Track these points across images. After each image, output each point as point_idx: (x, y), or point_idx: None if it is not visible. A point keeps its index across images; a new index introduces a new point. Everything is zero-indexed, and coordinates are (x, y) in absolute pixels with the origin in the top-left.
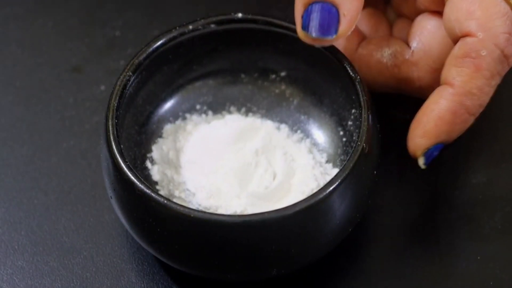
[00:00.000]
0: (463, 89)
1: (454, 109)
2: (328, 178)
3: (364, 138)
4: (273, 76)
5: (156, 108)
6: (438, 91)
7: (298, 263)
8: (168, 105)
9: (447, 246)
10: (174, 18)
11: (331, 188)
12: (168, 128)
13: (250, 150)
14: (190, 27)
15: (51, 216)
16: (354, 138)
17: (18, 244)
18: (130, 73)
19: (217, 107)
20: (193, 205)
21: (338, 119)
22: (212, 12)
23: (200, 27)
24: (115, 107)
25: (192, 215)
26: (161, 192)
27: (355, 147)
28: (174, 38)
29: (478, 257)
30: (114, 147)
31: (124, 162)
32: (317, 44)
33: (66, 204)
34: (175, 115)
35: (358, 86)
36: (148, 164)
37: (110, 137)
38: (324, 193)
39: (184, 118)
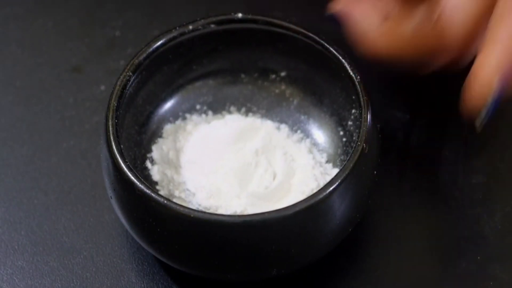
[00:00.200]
0: None
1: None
2: (328, 178)
3: (364, 138)
4: (273, 76)
5: (156, 108)
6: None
7: (298, 263)
8: (168, 105)
9: (447, 246)
10: (174, 18)
11: (331, 188)
12: (168, 128)
13: (250, 150)
14: (190, 27)
15: (51, 216)
16: (354, 138)
17: (18, 244)
18: (130, 73)
19: (217, 107)
20: (193, 205)
21: (338, 119)
22: (212, 12)
23: (200, 27)
24: (115, 107)
25: (192, 215)
26: (161, 192)
27: (355, 147)
28: (174, 38)
29: (478, 257)
30: (114, 147)
31: (124, 162)
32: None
33: (66, 204)
34: (175, 115)
35: (358, 86)
36: (148, 164)
37: (110, 137)
38: (324, 193)
39: (184, 118)
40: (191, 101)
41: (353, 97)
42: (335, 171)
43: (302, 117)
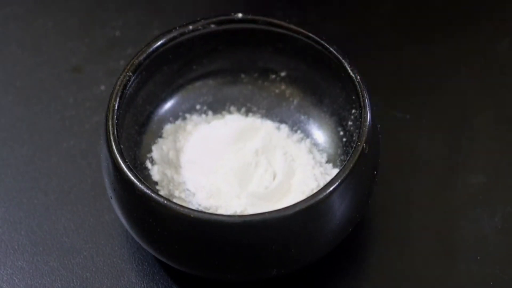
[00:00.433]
0: None
1: None
2: (328, 178)
3: (364, 138)
4: (273, 76)
5: (156, 108)
6: None
7: (298, 263)
8: (168, 105)
9: (447, 246)
10: (174, 18)
11: (331, 188)
12: (168, 128)
13: (250, 150)
14: (190, 27)
15: (51, 216)
16: (354, 138)
17: (18, 244)
18: (130, 73)
19: (217, 107)
20: (193, 205)
21: (338, 119)
22: (212, 12)
23: (200, 27)
24: (115, 107)
25: (192, 215)
26: (161, 192)
27: (355, 147)
28: (174, 38)
29: (478, 257)
30: (114, 147)
31: (124, 162)
32: None
33: (66, 204)
34: (175, 115)
35: (358, 86)
36: (148, 164)
37: (110, 137)
38: (324, 193)
39: (184, 118)
40: (191, 101)
41: (353, 97)
42: (335, 171)
43: (302, 117)
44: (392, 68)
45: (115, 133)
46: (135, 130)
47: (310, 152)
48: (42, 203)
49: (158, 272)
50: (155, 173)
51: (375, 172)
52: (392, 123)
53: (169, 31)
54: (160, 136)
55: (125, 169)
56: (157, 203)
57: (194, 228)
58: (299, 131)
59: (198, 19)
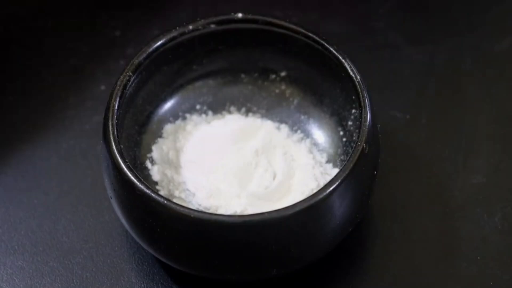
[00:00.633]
0: None
1: None
2: (328, 178)
3: (364, 138)
4: (273, 76)
5: (156, 108)
6: None
7: (298, 263)
8: (168, 105)
9: (447, 246)
10: (174, 18)
11: (331, 188)
12: (168, 128)
13: (250, 150)
14: (190, 27)
15: (51, 216)
16: (354, 138)
17: (18, 244)
18: (130, 73)
19: (217, 107)
20: (193, 205)
21: (338, 119)
22: (212, 12)
23: (200, 27)
24: (115, 107)
25: (192, 215)
26: (161, 192)
27: (355, 147)
28: (174, 38)
29: (478, 257)
30: (114, 147)
31: (124, 162)
32: None
33: (66, 204)
34: (175, 115)
35: (358, 86)
36: (148, 164)
37: (110, 137)
38: (324, 193)
39: (184, 118)
40: (191, 101)
41: (353, 97)
42: (335, 171)
43: (302, 117)
44: (392, 68)
45: (115, 133)
46: (135, 130)
47: (310, 152)
48: (42, 203)
49: (158, 272)
50: (155, 173)
51: (375, 172)
52: (392, 123)
53: (169, 31)
54: (160, 136)
55: (125, 169)
56: (157, 203)
57: (194, 228)
58: (299, 131)
59: (198, 19)
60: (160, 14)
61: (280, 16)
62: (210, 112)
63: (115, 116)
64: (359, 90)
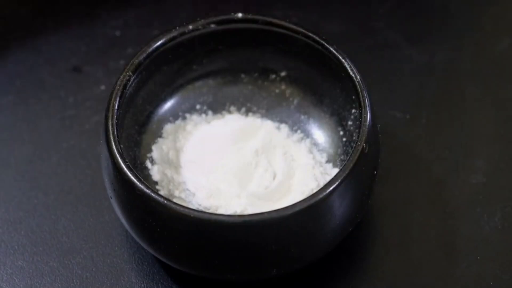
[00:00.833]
0: None
1: None
2: (328, 178)
3: (364, 138)
4: (273, 76)
5: (156, 108)
6: None
7: (298, 263)
8: (168, 105)
9: (447, 246)
10: (174, 18)
11: (331, 188)
12: (168, 128)
13: (250, 150)
14: (190, 27)
15: (51, 216)
16: (354, 138)
17: (18, 244)
18: (130, 73)
19: (217, 107)
20: (193, 205)
21: (338, 119)
22: (212, 12)
23: (200, 27)
24: (115, 107)
25: (192, 215)
26: (161, 192)
27: (355, 147)
28: (174, 38)
29: (478, 257)
30: (114, 147)
31: (124, 162)
32: None
33: (66, 204)
34: (175, 115)
35: (358, 86)
36: (148, 164)
37: (110, 137)
38: (324, 193)
39: (184, 118)
40: (191, 101)
41: (353, 97)
42: (335, 171)
43: (302, 117)
44: (392, 68)
45: (115, 133)
46: (135, 130)
47: (310, 152)
48: (42, 203)
49: (158, 272)
50: (155, 173)
51: (375, 172)
52: (392, 123)
53: (169, 31)
54: (160, 136)
55: (125, 169)
56: (157, 203)
57: (194, 228)
58: (299, 131)
59: (198, 19)
60: (160, 14)
61: (280, 16)
62: (210, 112)
63: (115, 116)
64: (359, 90)
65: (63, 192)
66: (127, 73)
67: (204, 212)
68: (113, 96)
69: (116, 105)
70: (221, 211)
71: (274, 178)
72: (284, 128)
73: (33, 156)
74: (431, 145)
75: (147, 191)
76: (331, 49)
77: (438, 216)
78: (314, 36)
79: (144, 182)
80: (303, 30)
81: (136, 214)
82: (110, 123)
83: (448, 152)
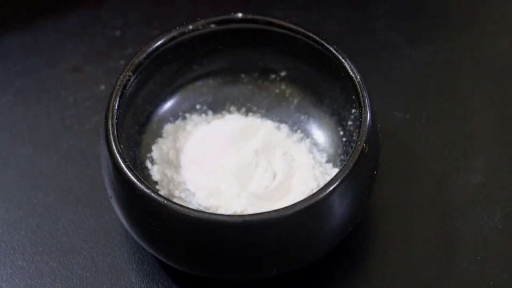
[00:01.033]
0: None
1: None
2: (328, 178)
3: (364, 138)
4: (273, 76)
5: (156, 108)
6: None
7: (298, 263)
8: (168, 105)
9: (447, 246)
10: (174, 18)
11: (331, 188)
12: (168, 128)
13: (250, 150)
14: (190, 27)
15: (51, 216)
16: (354, 138)
17: (18, 244)
18: (130, 73)
19: (217, 107)
20: (193, 205)
21: (338, 119)
22: (212, 12)
23: (200, 27)
24: (115, 107)
25: (192, 215)
26: (161, 192)
27: (355, 147)
28: (174, 38)
29: (478, 257)
30: (114, 147)
31: (124, 162)
32: None
33: (66, 204)
34: (175, 115)
35: (358, 86)
36: (148, 164)
37: (110, 137)
38: (324, 193)
39: (184, 118)
40: (191, 101)
41: (353, 97)
42: (335, 171)
43: (302, 117)
44: (392, 68)
45: (115, 133)
46: (135, 130)
47: (310, 152)
48: (42, 203)
49: (158, 272)
50: (155, 173)
51: (375, 172)
52: (392, 123)
53: (169, 31)
54: (160, 136)
55: (125, 169)
56: (157, 203)
57: (194, 228)
58: (299, 131)
59: (198, 19)
60: (160, 14)
61: (280, 16)
62: (210, 112)
63: (115, 116)
64: (359, 90)
65: (63, 192)
66: (127, 73)
67: (204, 212)
68: (113, 96)
69: (116, 105)
70: (221, 211)
71: (274, 178)
72: (284, 128)
73: (33, 156)
74: (431, 145)
75: (147, 191)
76: (331, 49)
77: (438, 216)
78: (314, 36)
79: (144, 182)
80: (303, 30)
81: (136, 214)
82: (110, 123)
83: (448, 152)
